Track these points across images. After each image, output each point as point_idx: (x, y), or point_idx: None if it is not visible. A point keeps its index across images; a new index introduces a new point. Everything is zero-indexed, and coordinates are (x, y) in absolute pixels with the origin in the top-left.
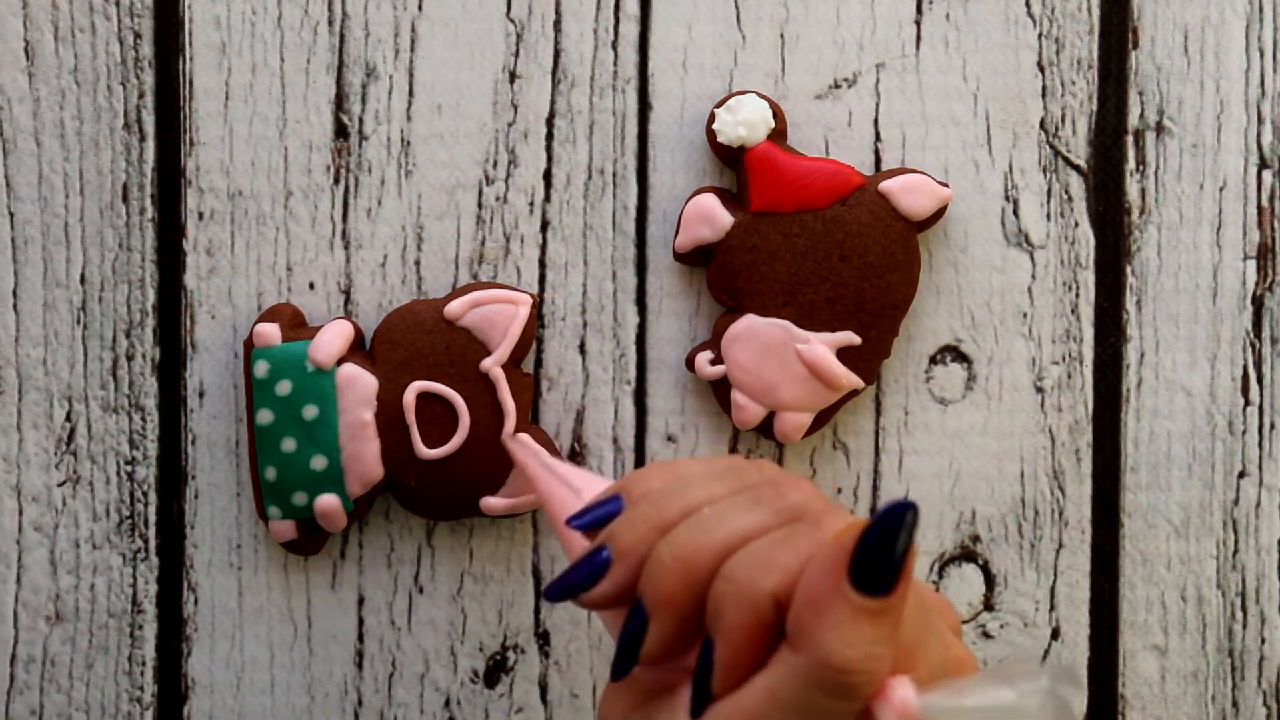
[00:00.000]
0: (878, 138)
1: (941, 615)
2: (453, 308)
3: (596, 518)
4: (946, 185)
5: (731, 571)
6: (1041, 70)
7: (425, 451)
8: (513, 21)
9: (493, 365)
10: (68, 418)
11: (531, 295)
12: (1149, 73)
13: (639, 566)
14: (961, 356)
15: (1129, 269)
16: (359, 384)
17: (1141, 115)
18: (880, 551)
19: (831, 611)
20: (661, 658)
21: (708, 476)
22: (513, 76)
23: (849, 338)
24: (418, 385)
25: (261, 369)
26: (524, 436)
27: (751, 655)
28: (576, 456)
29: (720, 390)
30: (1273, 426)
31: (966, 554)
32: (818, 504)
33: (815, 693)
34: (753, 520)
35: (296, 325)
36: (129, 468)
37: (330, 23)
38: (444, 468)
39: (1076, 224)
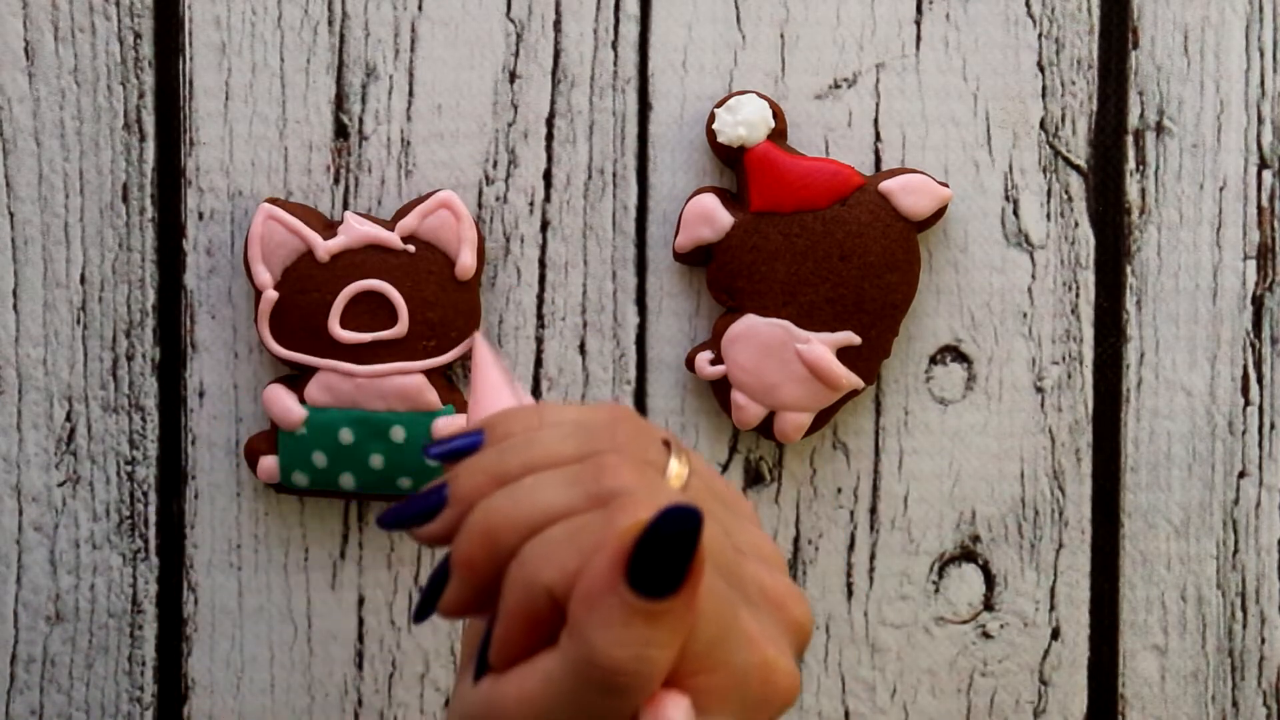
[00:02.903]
0: (878, 138)
1: (767, 563)
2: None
3: (452, 451)
4: (946, 185)
5: (523, 556)
6: (1041, 70)
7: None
8: (513, 21)
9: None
10: (68, 418)
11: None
12: (1149, 73)
13: (467, 514)
14: (961, 356)
15: (1129, 269)
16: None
17: (1141, 115)
18: (657, 553)
19: (604, 608)
20: (459, 613)
21: (562, 433)
22: (513, 76)
23: (849, 338)
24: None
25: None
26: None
27: (527, 638)
28: None
29: (720, 390)
30: (1273, 426)
31: (966, 554)
32: (638, 489)
33: (584, 686)
34: (563, 500)
35: None
36: (129, 468)
37: (330, 23)
38: None
39: (1076, 224)
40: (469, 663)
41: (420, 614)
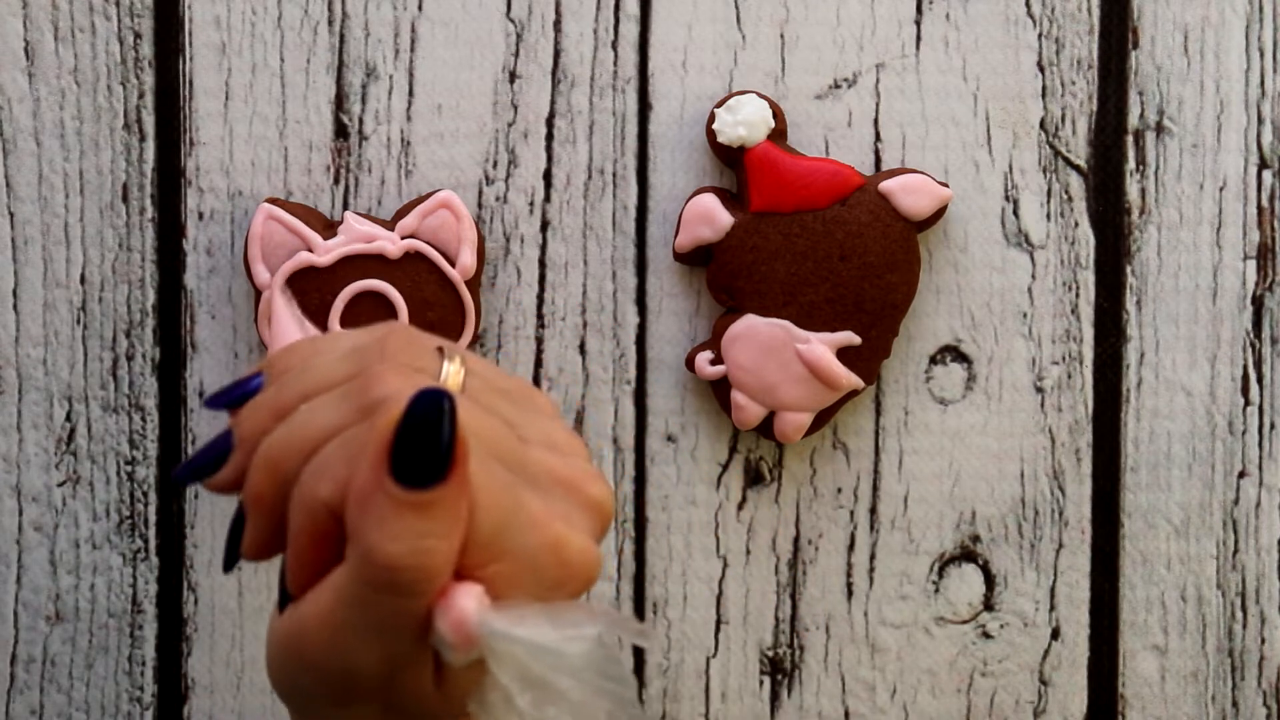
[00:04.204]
0: (878, 138)
1: (561, 450)
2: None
3: (235, 396)
4: (946, 185)
5: (301, 478)
6: (1041, 70)
7: None
8: (513, 21)
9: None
10: (68, 418)
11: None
12: (1149, 73)
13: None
14: (961, 356)
15: (1129, 269)
16: None
17: (1141, 115)
18: (415, 441)
19: (374, 506)
20: (261, 554)
21: (335, 357)
22: (513, 76)
23: (849, 338)
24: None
25: None
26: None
27: (317, 559)
28: None
29: (720, 390)
30: (1273, 426)
31: (966, 554)
32: (402, 392)
33: (371, 590)
34: (335, 419)
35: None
36: (129, 468)
37: (330, 23)
38: None
39: (1076, 224)
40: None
41: (227, 563)
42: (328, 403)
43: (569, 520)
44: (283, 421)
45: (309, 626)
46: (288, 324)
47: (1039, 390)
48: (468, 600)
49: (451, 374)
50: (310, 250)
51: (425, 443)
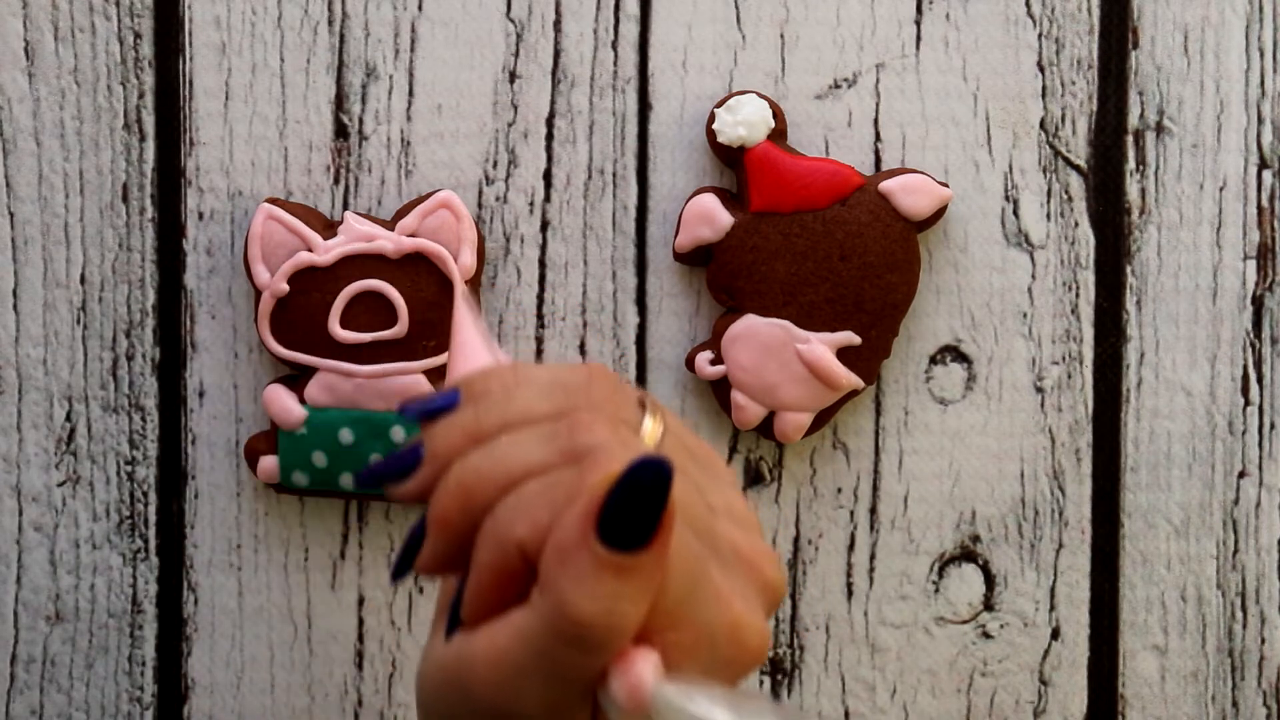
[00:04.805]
0: (878, 138)
1: (741, 524)
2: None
3: (428, 410)
4: (946, 185)
5: (496, 512)
6: (1041, 70)
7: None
8: (513, 21)
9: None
10: (68, 418)
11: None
12: (1149, 73)
13: (445, 472)
14: (961, 356)
15: (1129, 269)
16: None
17: (1141, 115)
18: (627, 506)
19: (575, 562)
20: (436, 571)
21: (538, 391)
22: (513, 76)
23: (849, 338)
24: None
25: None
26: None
27: (500, 594)
28: None
29: (720, 390)
30: (1273, 426)
31: (966, 554)
32: (611, 444)
33: (554, 640)
34: (537, 457)
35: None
36: (129, 468)
37: (330, 23)
38: None
39: (1076, 224)
40: (441, 621)
41: (398, 572)
42: (531, 439)
43: (746, 599)
44: (479, 447)
45: (480, 660)
46: (474, 341)
47: (1039, 390)
48: (646, 667)
49: (651, 430)
50: (310, 250)
51: (640, 510)
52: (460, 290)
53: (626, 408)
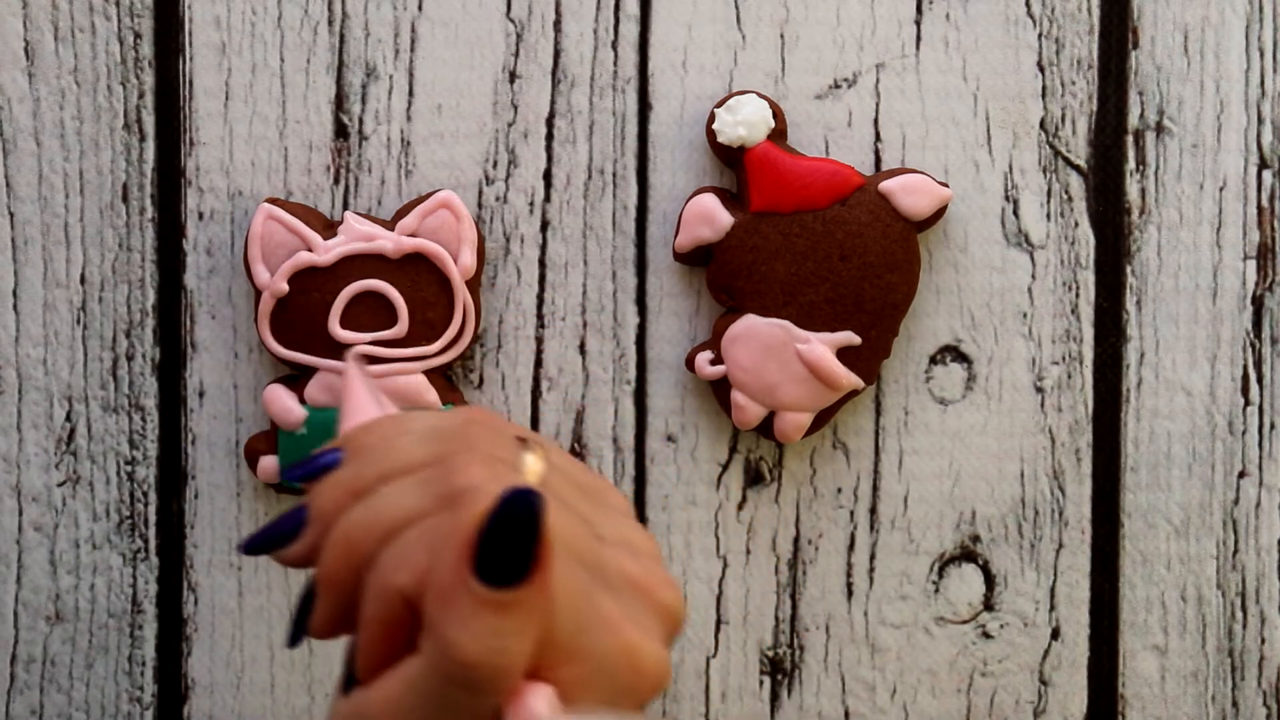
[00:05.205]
0: (878, 138)
1: (635, 552)
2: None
3: (311, 471)
4: (946, 185)
5: (378, 563)
6: (1041, 70)
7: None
8: (513, 21)
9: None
10: (68, 418)
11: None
12: (1149, 73)
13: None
14: (961, 356)
15: (1129, 269)
16: None
17: (1141, 115)
18: (500, 540)
19: (454, 602)
20: (329, 632)
21: (415, 439)
22: (513, 76)
23: (849, 338)
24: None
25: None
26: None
27: (389, 646)
28: (577, 456)
29: (720, 390)
30: (1273, 426)
31: (966, 554)
32: (486, 484)
33: (443, 684)
34: (415, 504)
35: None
36: (129, 468)
37: (330, 23)
38: None
39: (1076, 224)
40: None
41: (293, 639)
42: (408, 487)
43: (641, 625)
44: (360, 501)
45: (376, 713)
46: (363, 398)
47: (1039, 390)
48: (539, 702)
49: (532, 466)
50: (310, 250)
51: (512, 543)
52: (352, 352)
53: (505, 447)
